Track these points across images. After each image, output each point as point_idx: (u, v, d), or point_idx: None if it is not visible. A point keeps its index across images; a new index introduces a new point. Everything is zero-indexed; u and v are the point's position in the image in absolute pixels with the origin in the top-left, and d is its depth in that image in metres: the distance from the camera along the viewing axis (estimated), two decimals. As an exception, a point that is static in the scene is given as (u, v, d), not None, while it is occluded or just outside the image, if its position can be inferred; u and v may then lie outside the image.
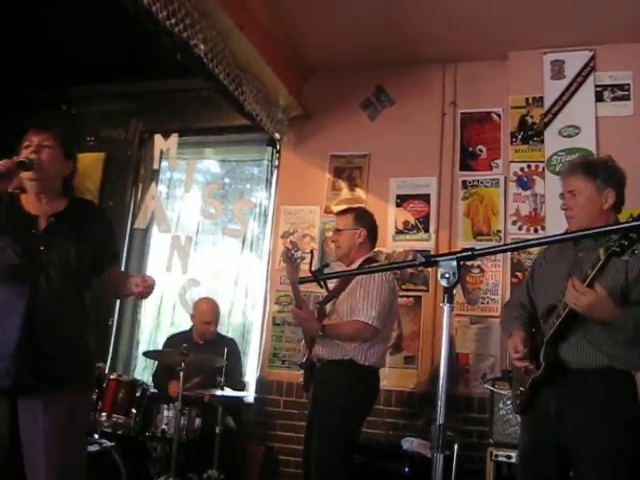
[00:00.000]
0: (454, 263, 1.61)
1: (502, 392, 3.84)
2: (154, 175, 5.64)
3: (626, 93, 4.52)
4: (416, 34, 4.72)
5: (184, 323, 5.12)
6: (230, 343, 4.70)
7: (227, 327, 5.28)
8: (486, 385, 4.02)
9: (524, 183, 4.65)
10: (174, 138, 5.19)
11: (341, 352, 3.49)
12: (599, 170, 2.66)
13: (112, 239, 2.82)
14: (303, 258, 3.48)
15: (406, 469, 3.85)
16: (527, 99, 4.75)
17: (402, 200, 4.99)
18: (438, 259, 1.64)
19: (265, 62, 4.64)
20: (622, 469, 2.38)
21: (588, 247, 2.56)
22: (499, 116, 4.89)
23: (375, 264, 3.68)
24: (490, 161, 4.85)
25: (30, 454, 2.37)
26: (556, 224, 3.92)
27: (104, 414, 3.98)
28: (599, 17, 4.28)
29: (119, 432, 4.06)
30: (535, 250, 4.16)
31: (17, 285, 2.42)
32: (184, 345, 4.11)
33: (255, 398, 4.99)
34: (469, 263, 4.61)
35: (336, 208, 4.86)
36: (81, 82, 5.62)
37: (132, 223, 5.52)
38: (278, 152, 5.51)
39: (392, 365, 4.62)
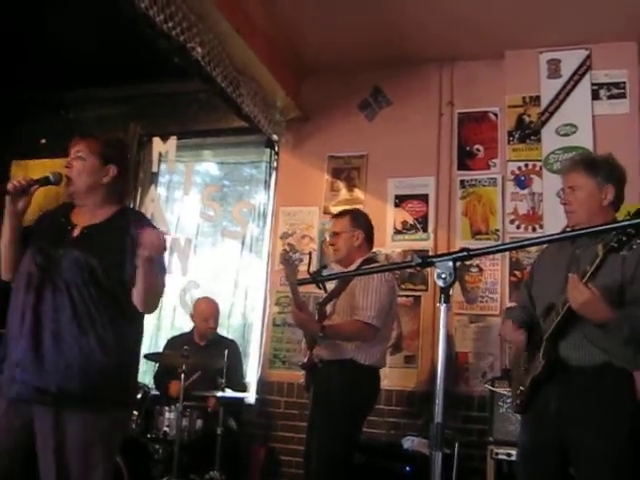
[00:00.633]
0: (450, 263, 1.62)
1: (502, 392, 3.85)
2: (153, 178, 5.65)
3: (622, 91, 4.54)
4: (413, 34, 4.73)
5: (185, 325, 5.14)
6: (231, 344, 4.71)
7: (227, 328, 5.30)
8: (486, 385, 4.03)
9: (522, 182, 4.66)
10: (172, 141, 5.20)
11: (342, 352, 3.50)
12: (600, 166, 2.67)
13: (161, 260, 2.57)
14: (301, 260, 3.49)
15: (407, 468, 3.86)
16: (524, 98, 4.77)
17: (400, 200, 5.00)
18: (434, 260, 1.66)
19: (262, 64, 4.65)
20: (622, 466, 2.39)
21: (585, 244, 2.57)
22: (496, 115, 4.90)
23: (373, 264, 3.69)
24: (487, 160, 4.86)
25: (42, 466, 2.33)
26: (554, 222, 3.95)
27: (106, 416, 3.99)
28: (594, 16, 4.30)
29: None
30: (533, 249, 4.20)
31: (31, 294, 2.39)
32: (185, 347, 4.12)
33: (256, 399, 5.00)
34: (468, 262, 4.62)
35: (335, 209, 4.88)
36: (79, 86, 5.62)
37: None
38: (276, 154, 5.52)
39: (392, 365, 4.63)
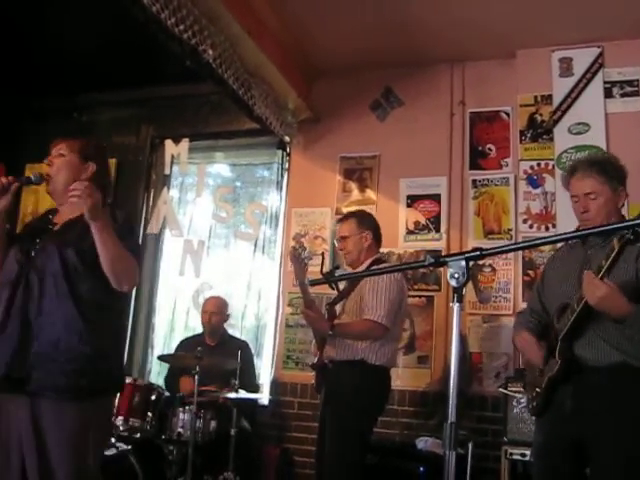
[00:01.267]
0: (463, 263, 1.62)
1: (516, 395, 3.84)
2: (165, 180, 5.67)
3: (635, 89, 4.51)
4: (423, 35, 4.73)
5: (198, 327, 5.15)
6: (243, 345, 4.72)
7: (240, 330, 5.32)
8: (500, 389, 4.01)
9: (534, 181, 4.65)
10: (185, 143, 5.22)
11: (352, 352, 3.51)
12: (612, 169, 2.66)
13: (132, 242, 2.64)
14: (310, 258, 3.50)
15: (421, 469, 3.86)
16: (536, 97, 4.75)
17: (413, 200, 5.00)
18: (447, 259, 1.66)
19: (274, 66, 4.66)
20: (637, 465, 2.38)
21: (597, 245, 2.57)
22: (508, 115, 4.89)
23: (383, 265, 3.71)
24: (500, 160, 4.85)
25: (26, 459, 2.38)
26: (567, 221, 3.91)
27: (120, 418, 4.01)
28: (607, 13, 4.28)
29: (135, 436, 4.09)
30: (546, 249, 4.18)
31: (12, 290, 2.47)
32: (198, 349, 4.13)
33: (269, 400, 5.01)
34: (480, 262, 4.61)
35: (347, 209, 4.89)
36: (91, 89, 5.66)
37: (144, 228, 5.55)
38: (288, 155, 5.53)
39: (405, 365, 4.64)
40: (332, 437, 3.45)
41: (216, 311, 4.86)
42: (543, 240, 2.54)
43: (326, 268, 3.95)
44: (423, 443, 4.13)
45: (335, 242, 4.37)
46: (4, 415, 2.43)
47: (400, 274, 3.72)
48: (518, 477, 3.69)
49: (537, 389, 2.64)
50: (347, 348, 3.53)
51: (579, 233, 2.47)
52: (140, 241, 5.57)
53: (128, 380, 4.22)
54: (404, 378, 4.60)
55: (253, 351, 5.01)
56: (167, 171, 5.40)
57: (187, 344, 4.80)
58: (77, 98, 5.92)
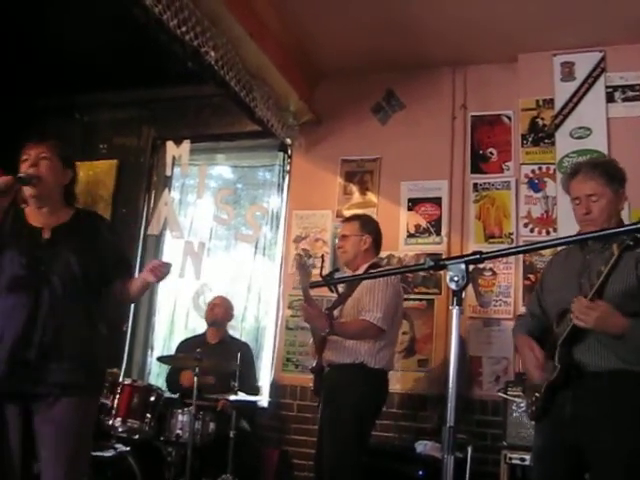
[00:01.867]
0: (463, 266, 1.62)
1: (515, 399, 3.83)
2: (166, 181, 5.68)
3: (637, 94, 4.51)
4: (426, 38, 4.73)
5: (198, 328, 5.16)
6: (243, 347, 4.72)
7: (240, 332, 5.31)
8: (500, 393, 4.01)
9: (535, 185, 4.64)
10: (186, 145, 5.22)
11: (352, 356, 3.53)
12: (613, 172, 2.66)
13: (118, 251, 2.83)
14: (315, 266, 3.52)
15: (420, 472, 3.85)
16: (537, 101, 4.75)
17: (413, 204, 4.99)
18: (446, 262, 1.65)
19: (275, 68, 4.67)
20: (637, 468, 2.37)
21: (596, 250, 2.56)
22: (509, 119, 4.89)
23: (381, 269, 3.73)
24: (501, 164, 4.85)
25: (42, 457, 2.46)
26: (568, 226, 3.91)
27: (119, 419, 4.01)
28: (609, 18, 4.28)
29: (134, 437, 4.09)
30: (547, 252, 4.18)
31: (22, 295, 2.49)
32: (198, 350, 4.14)
33: (269, 402, 5.01)
34: (481, 266, 4.61)
35: (348, 212, 4.91)
36: (93, 90, 5.65)
37: (145, 229, 5.56)
38: (289, 157, 5.53)
39: (405, 368, 4.63)
40: (332, 441, 3.46)
41: (220, 303, 4.90)
42: (543, 244, 2.54)
43: (326, 271, 3.96)
44: (422, 447, 4.12)
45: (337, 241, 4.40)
46: (11, 420, 2.47)
47: (397, 279, 3.76)
48: (517, 481, 3.69)
49: (536, 394, 2.63)
50: (347, 352, 3.54)
51: (580, 237, 2.47)
52: (140, 243, 5.63)
53: (127, 381, 4.23)
54: (404, 381, 4.59)
55: (254, 353, 5.01)
56: (168, 172, 5.40)
57: (187, 345, 4.80)
58: (79, 99, 5.93)
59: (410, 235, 4.95)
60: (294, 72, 4.98)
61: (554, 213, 4.53)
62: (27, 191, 2.59)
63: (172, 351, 5.15)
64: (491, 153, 4.89)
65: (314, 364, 3.70)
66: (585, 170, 2.70)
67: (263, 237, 5.48)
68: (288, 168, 5.53)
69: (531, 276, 4.49)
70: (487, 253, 1.69)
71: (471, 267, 1.66)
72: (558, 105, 4.65)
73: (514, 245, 4.57)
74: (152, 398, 4.20)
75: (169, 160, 5.31)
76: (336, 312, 3.71)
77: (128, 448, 4.00)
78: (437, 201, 4.93)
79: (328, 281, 2.75)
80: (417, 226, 4.95)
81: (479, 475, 3.94)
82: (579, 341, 2.50)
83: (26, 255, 2.53)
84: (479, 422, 4.39)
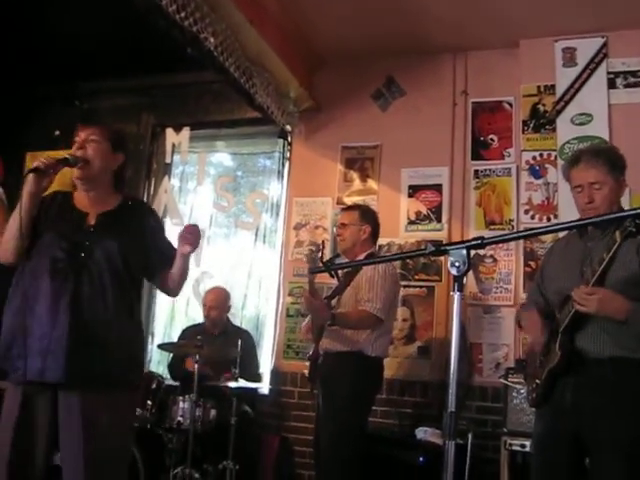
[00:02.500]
0: (464, 252, 1.61)
1: (516, 386, 3.84)
2: (166, 169, 5.67)
3: (639, 80, 4.48)
4: (426, 23, 4.70)
5: (198, 316, 5.16)
6: (244, 335, 4.73)
7: (241, 319, 5.32)
8: (501, 379, 4.01)
9: (536, 172, 4.63)
10: (186, 132, 5.20)
11: (350, 344, 3.58)
12: (614, 159, 2.65)
13: (164, 242, 2.73)
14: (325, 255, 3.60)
15: (420, 459, 3.86)
16: (539, 87, 4.73)
17: (414, 190, 4.98)
18: (448, 248, 1.65)
19: (275, 54, 4.64)
20: (637, 456, 2.37)
21: (596, 237, 2.56)
22: (510, 105, 4.86)
23: (383, 256, 3.77)
24: (502, 150, 4.83)
25: (65, 449, 2.38)
26: (569, 212, 3.90)
27: (120, 406, 4.01)
28: (611, 3, 4.24)
29: (135, 424, 4.10)
30: (548, 239, 4.17)
31: (61, 280, 2.41)
32: (198, 337, 4.14)
33: (270, 389, 5.02)
34: (482, 253, 4.60)
35: (348, 199, 4.92)
36: (92, 77, 5.63)
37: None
38: (289, 144, 5.51)
39: (406, 355, 4.64)
40: (330, 426, 3.50)
41: (214, 305, 4.84)
42: (545, 229, 2.53)
43: (326, 257, 3.97)
44: (422, 433, 4.14)
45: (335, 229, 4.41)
46: (40, 411, 2.41)
47: (394, 268, 3.83)
48: (517, 468, 3.69)
49: (537, 380, 2.64)
50: (345, 340, 3.58)
51: (582, 222, 2.46)
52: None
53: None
54: (404, 368, 4.60)
55: (254, 340, 5.01)
56: (168, 160, 5.40)
57: (190, 333, 4.80)
58: (78, 86, 5.90)
59: (411, 222, 4.94)
60: (294, 58, 4.95)
61: (555, 200, 4.52)
62: (74, 174, 2.54)
63: (172, 339, 5.16)
64: (492, 139, 4.87)
65: (311, 352, 3.75)
66: (587, 158, 2.66)
67: (263, 224, 5.47)
68: (288, 155, 5.51)
69: (532, 263, 4.49)
70: (489, 238, 1.69)
71: (472, 253, 1.65)
72: (559, 91, 4.62)
73: (515, 231, 4.57)
74: (153, 385, 4.22)
75: (169, 147, 5.30)
76: (334, 301, 3.74)
77: (129, 435, 4.01)
78: (438, 188, 4.92)
79: (329, 267, 2.75)
80: (417, 213, 4.94)
81: (479, 461, 3.95)
82: (581, 328, 2.50)
83: (67, 239, 2.46)
84: (479, 409, 4.40)
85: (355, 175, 5.18)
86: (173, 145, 5.28)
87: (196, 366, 4.01)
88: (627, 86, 4.50)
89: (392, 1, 4.45)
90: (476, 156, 4.89)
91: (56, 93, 5.87)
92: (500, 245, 4.58)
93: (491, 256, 4.65)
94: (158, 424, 4.20)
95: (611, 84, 4.52)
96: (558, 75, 4.66)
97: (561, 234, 2.99)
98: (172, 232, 5.41)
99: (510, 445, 3.74)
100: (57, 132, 5.81)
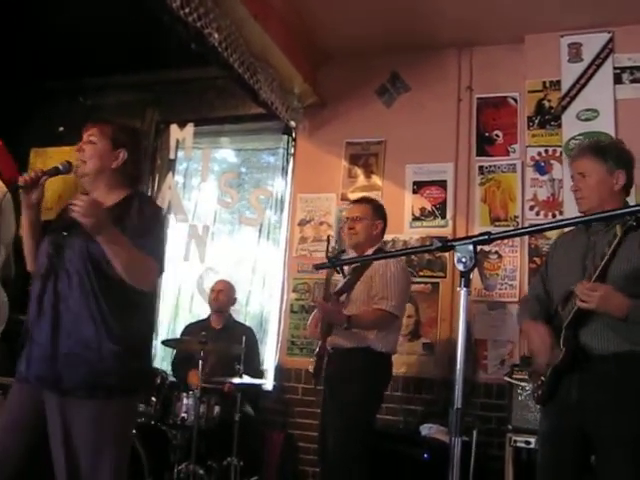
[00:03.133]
0: (470, 247, 1.60)
1: (521, 383, 3.82)
2: (170, 165, 5.65)
3: (646, 75, 4.46)
4: (431, 19, 4.68)
5: (202, 312, 5.16)
6: (248, 331, 4.73)
7: (245, 315, 5.32)
8: (505, 377, 4.00)
9: (541, 168, 4.61)
10: (190, 128, 5.19)
11: (358, 340, 3.53)
12: (609, 152, 2.64)
13: (137, 234, 2.49)
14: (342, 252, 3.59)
15: (425, 455, 3.86)
16: (544, 83, 4.71)
17: (419, 187, 4.97)
18: (454, 243, 1.63)
19: (279, 50, 4.63)
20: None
21: (600, 231, 2.55)
22: (516, 101, 4.84)
23: (390, 251, 3.74)
24: (507, 146, 4.81)
25: (53, 451, 2.36)
26: (574, 208, 3.88)
27: (124, 402, 4.01)
28: (617, -2, 4.23)
29: (139, 420, 4.10)
30: (553, 235, 4.15)
31: (43, 284, 2.43)
32: (202, 333, 4.13)
33: (274, 386, 5.02)
34: (487, 249, 4.59)
35: (352, 195, 4.89)
36: (96, 73, 5.62)
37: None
38: (294, 140, 5.50)
39: (410, 352, 4.63)
40: (339, 422, 3.46)
41: (224, 289, 4.89)
42: (552, 224, 2.53)
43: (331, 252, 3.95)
44: (427, 430, 4.14)
45: (343, 221, 4.36)
46: (25, 400, 2.41)
47: (405, 263, 3.79)
48: (522, 464, 3.68)
49: (542, 377, 2.63)
50: (354, 336, 3.53)
51: (587, 218, 2.45)
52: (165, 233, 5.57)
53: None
54: (409, 365, 4.59)
55: (257, 337, 5.01)
56: (172, 156, 5.38)
57: (192, 329, 4.81)
58: (82, 82, 5.90)
59: (415, 218, 4.93)
60: (298, 54, 4.94)
61: (560, 196, 4.50)
62: (78, 176, 2.58)
63: (176, 335, 5.16)
64: (497, 135, 4.85)
65: (318, 348, 3.69)
66: (579, 149, 2.74)
67: (267, 221, 5.46)
68: (292, 151, 5.51)
69: (537, 259, 4.47)
70: (496, 234, 1.67)
71: (478, 248, 1.63)
72: (565, 87, 4.60)
73: (521, 227, 4.55)
74: (157, 381, 4.20)
75: (173, 143, 5.28)
76: (342, 297, 3.68)
77: (133, 431, 4.01)
78: (442, 184, 4.91)
79: (334, 262, 2.74)
80: (422, 209, 4.92)
81: (484, 458, 3.94)
82: (584, 324, 2.50)
83: (54, 244, 2.47)
84: (484, 405, 4.39)
85: (359, 171, 5.17)
86: (177, 141, 5.26)
87: (201, 362, 4.00)
88: (633, 81, 4.47)
89: (397, -3, 4.43)
90: (481, 152, 4.87)
91: (60, 89, 5.87)
92: (505, 241, 4.57)
93: (496, 252, 4.63)
94: (162, 420, 4.19)
95: (617, 79, 4.49)
96: (564, 71, 4.63)
97: (567, 230, 2.98)
98: (176, 229, 5.50)
99: (515, 442, 3.73)
100: (61, 128, 5.82)
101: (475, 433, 3.89)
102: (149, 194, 5.73)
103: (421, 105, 5.04)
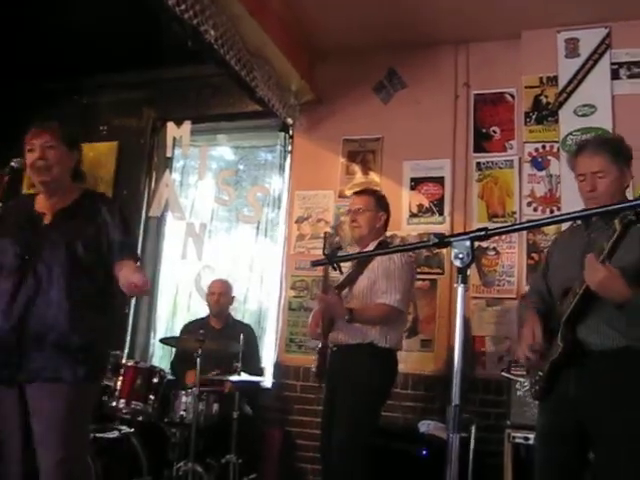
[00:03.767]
0: (467, 243, 1.59)
1: (519, 379, 3.82)
2: (167, 163, 5.64)
3: (642, 70, 4.46)
4: (428, 15, 4.66)
5: (200, 310, 5.15)
6: (246, 329, 4.72)
7: (243, 313, 5.32)
8: (503, 373, 4.00)
9: (539, 164, 4.60)
10: (187, 125, 5.18)
11: (361, 336, 3.49)
12: (621, 150, 2.63)
13: (115, 234, 2.67)
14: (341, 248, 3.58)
15: (423, 452, 3.86)
16: (541, 78, 4.70)
17: (416, 183, 4.96)
18: (451, 239, 1.63)
19: (276, 47, 4.61)
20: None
21: (600, 228, 2.54)
22: (513, 96, 4.83)
23: (387, 247, 3.71)
24: (504, 142, 4.80)
25: (36, 439, 2.46)
26: (572, 204, 3.89)
27: (122, 401, 4.01)
28: (614, -7, 4.22)
29: (138, 418, 4.10)
30: (551, 231, 4.16)
31: (9, 283, 2.50)
32: (201, 331, 4.13)
33: (272, 383, 5.01)
34: (485, 245, 4.59)
35: (350, 192, 4.86)
36: (92, 71, 5.61)
37: (146, 211, 5.54)
38: (291, 137, 5.50)
39: (409, 349, 4.62)
40: (343, 423, 3.42)
41: (223, 292, 4.89)
42: (550, 220, 2.52)
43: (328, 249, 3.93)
44: (425, 426, 4.13)
45: (345, 213, 4.33)
46: (9, 405, 2.50)
47: (410, 257, 3.72)
48: (521, 460, 3.68)
49: (540, 373, 2.62)
50: (356, 332, 3.50)
51: (585, 212, 2.44)
52: (142, 224, 5.59)
53: (130, 363, 4.23)
54: (407, 362, 4.57)
55: (256, 334, 5.00)
56: (169, 154, 5.37)
57: (191, 327, 4.80)
58: (78, 80, 5.88)
59: (413, 215, 4.92)
60: (295, 51, 4.93)
61: (558, 192, 4.49)
62: (35, 179, 2.62)
63: (175, 333, 5.16)
64: (494, 131, 4.85)
65: (320, 345, 3.65)
66: (592, 146, 2.66)
67: (265, 218, 5.46)
68: (290, 148, 5.50)
69: (534, 255, 4.47)
70: (493, 229, 1.67)
71: (475, 245, 1.63)
72: (562, 82, 4.59)
73: (518, 223, 4.55)
74: (155, 379, 4.19)
75: (170, 141, 5.27)
76: (344, 292, 3.64)
77: (132, 429, 4.01)
78: (440, 180, 4.90)
79: (331, 259, 2.73)
80: (420, 206, 4.92)
81: (483, 454, 3.94)
82: (583, 320, 2.49)
83: (19, 243, 2.54)
84: (482, 401, 4.39)
85: (357, 168, 5.16)
86: (174, 139, 5.25)
87: (199, 360, 3.99)
88: (631, 77, 4.46)
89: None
90: (478, 148, 4.86)
91: (56, 87, 5.85)
92: (503, 237, 4.56)
93: (494, 249, 4.63)
94: (161, 418, 4.19)
95: (614, 75, 4.48)
96: (561, 66, 4.62)
97: (565, 225, 2.97)
98: (174, 226, 5.49)
99: (513, 438, 3.73)
100: (58, 126, 5.79)
101: (474, 429, 3.89)
102: (146, 192, 5.74)
103: (418, 102, 5.03)
